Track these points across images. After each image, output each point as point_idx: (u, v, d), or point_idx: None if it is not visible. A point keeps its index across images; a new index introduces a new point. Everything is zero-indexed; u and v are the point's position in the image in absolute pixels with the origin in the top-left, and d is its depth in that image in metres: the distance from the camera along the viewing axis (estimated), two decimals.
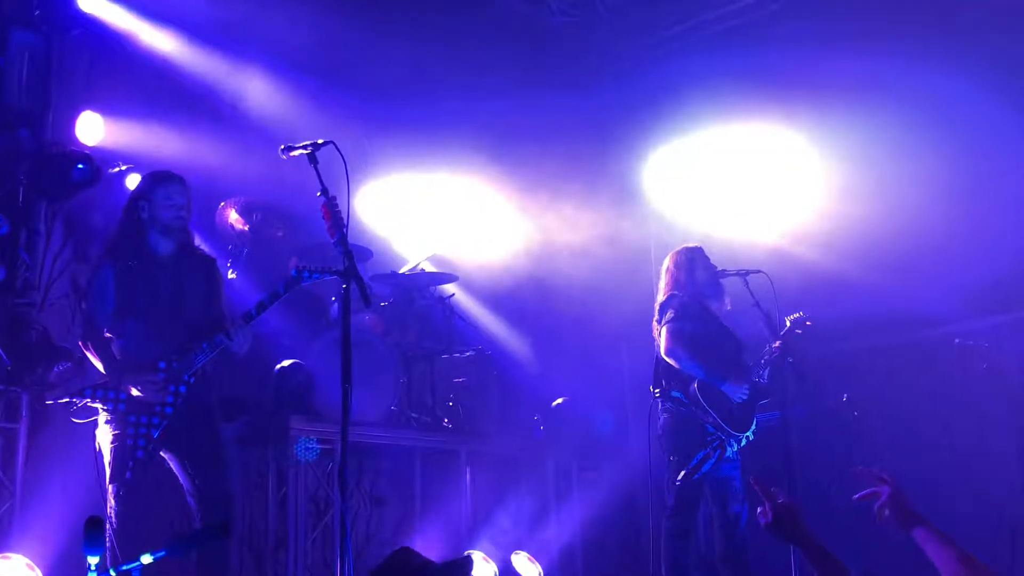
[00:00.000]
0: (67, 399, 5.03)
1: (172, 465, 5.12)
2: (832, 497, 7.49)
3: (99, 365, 5.03)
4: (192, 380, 5.02)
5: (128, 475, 4.87)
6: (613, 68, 8.75)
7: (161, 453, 5.06)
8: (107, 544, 4.78)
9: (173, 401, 4.98)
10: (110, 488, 4.89)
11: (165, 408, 4.97)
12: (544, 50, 8.41)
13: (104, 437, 4.96)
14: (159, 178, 5.26)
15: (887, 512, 3.06)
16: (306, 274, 4.89)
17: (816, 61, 7.47)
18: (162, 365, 4.99)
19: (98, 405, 4.95)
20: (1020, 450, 7.04)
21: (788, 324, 6.41)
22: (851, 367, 7.88)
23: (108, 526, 4.80)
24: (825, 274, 7.69)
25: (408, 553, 2.97)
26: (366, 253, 7.44)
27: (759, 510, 3.08)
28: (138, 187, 5.32)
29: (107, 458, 4.92)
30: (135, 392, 4.90)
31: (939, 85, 7.14)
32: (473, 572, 2.93)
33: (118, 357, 5.03)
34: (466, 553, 2.97)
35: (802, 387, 6.42)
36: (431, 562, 2.92)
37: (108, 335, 5.07)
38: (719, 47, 8.22)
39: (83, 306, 5.25)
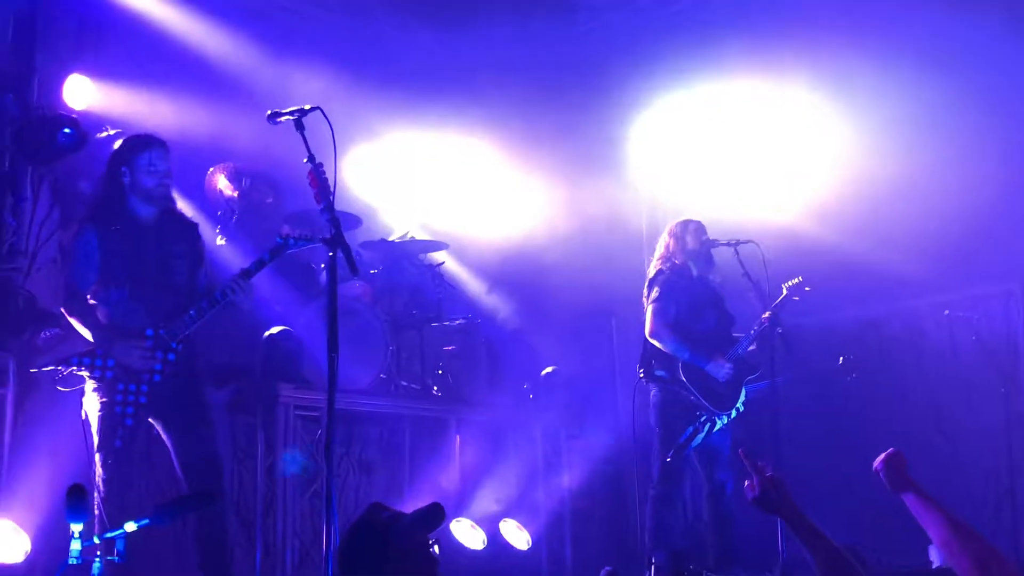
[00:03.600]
0: (52, 367, 4.95)
1: (160, 431, 5.10)
2: (819, 466, 7.55)
3: (85, 332, 4.98)
4: (179, 347, 4.99)
5: (118, 443, 4.85)
6: (605, 31, 8.64)
7: (149, 420, 5.04)
8: (95, 512, 4.79)
9: (161, 368, 4.95)
10: (98, 456, 4.87)
11: (153, 376, 4.94)
12: (535, 16, 8.31)
13: (91, 405, 4.92)
14: (141, 143, 5.15)
15: (881, 474, 3.08)
16: (291, 241, 4.88)
17: (819, 16, 7.31)
18: (149, 332, 4.95)
19: (84, 373, 4.90)
20: (1007, 420, 7.06)
21: (785, 291, 6.42)
22: (840, 338, 7.88)
23: (96, 494, 4.82)
24: (813, 244, 7.66)
25: (378, 508, 2.95)
26: (355, 220, 7.40)
27: (746, 483, 3.09)
28: (119, 151, 5.20)
29: (94, 426, 4.89)
30: (124, 360, 4.87)
31: (957, 36, 6.84)
32: (443, 522, 2.90)
33: (104, 324, 4.98)
34: (435, 502, 2.91)
35: (790, 358, 6.44)
36: (401, 513, 2.88)
37: (92, 301, 5.01)
38: (718, 5, 8.06)
39: (64, 271, 5.17)
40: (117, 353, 4.87)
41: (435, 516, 2.87)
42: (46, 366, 5.00)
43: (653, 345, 6.37)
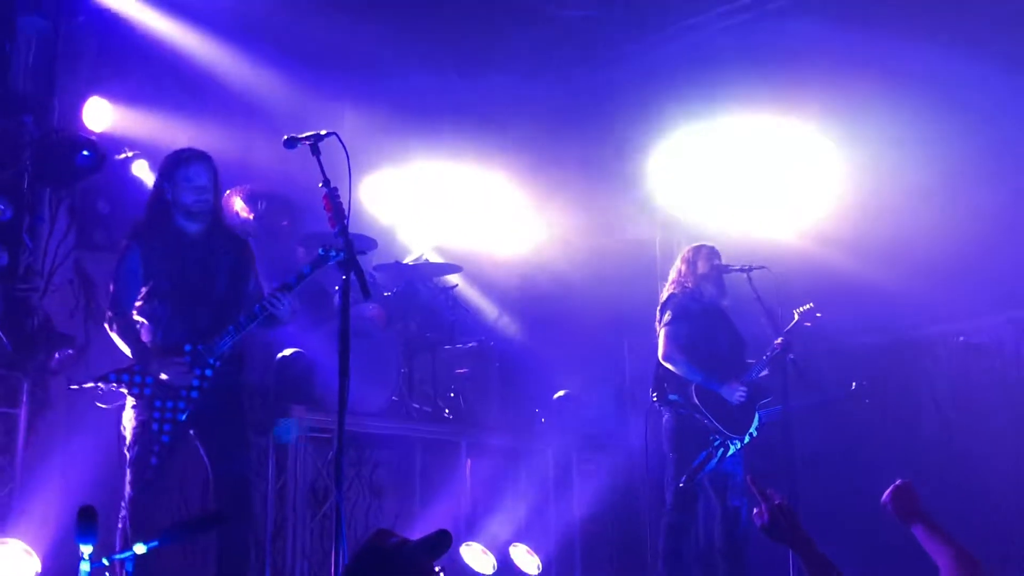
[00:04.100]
0: (92, 384, 4.96)
1: (198, 446, 5.03)
2: (832, 493, 7.50)
3: (125, 349, 4.95)
4: (217, 364, 4.92)
5: (153, 460, 4.81)
6: (622, 62, 8.69)
7: (189, 436, 4.98)
8: (119, 527, 4.78)
9: (199, 385, 4.90)
10: (129, 473, 4.83)
11: (191, 392, 4.89)
12: (551, 43, 8.37)
13: (129, 422, 4.90)
14: (178, 159, 5.09)
15: (889, 506, 3.07)
16: (332, 253, 4.78)
17: (829, 52, 7.34)
18: (187, 348, 4.90)
19: (124, 390, 4.87)
20: (1021, 448, 7.02)
21: (796, 317, 6.41)
22: (854, 363, 7.86)
23: (123, 511, 4.80)
24: (828, 270, 7.66)
25: (383, 534, 2.93)
26: (370, 243, 7.43)
27: (755, 511, 3.08)
28: (161, 167, 5.17)
29: (129, 442, 4.86)
30: (162, 376, 4.84)
31: (958, 72, 6.94)
32: (449, 549, 2.90)
33: (145, 340, 4.96)
34: (442, 529, 2.90)
35: (803, 384, 6.42)
36: (407, 540, 2.88)
37: (138, 318, 5.00)
38: (731, 39, 8.10)
39: (110, 288, 5.08)
40: (155, 370, 4.84)
41: (442, 543, 2.86)
42: (85, 383, 5.03)
43: (666, 369, 6.36)
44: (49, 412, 6.04)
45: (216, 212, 5.14)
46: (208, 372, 4.91)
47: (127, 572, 3.49)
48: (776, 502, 3.05)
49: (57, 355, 5.92)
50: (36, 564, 5.20)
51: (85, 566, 3.36)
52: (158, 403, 4.84)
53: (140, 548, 3.49)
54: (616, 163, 8.78)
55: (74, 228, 6.61)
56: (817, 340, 7.23)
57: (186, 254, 5.03)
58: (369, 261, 7.75)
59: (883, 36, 7.06)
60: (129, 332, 4.95)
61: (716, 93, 8.07)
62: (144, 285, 4.97)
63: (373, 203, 8.41)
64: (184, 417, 4.87)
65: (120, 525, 4.79)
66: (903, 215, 7.33)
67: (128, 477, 4.83)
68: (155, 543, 3.57)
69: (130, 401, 4.91)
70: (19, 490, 5.68)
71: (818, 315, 6.43)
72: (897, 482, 3.11)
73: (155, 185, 5.14)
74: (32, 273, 6.28)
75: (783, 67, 7.52)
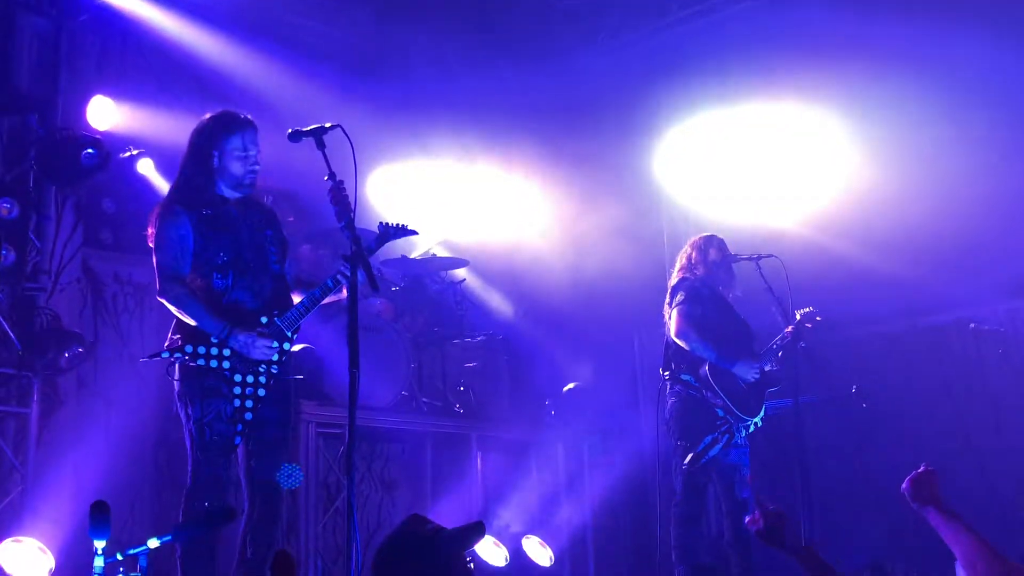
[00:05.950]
0: (159, 355, 4.50)
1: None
2: (845, 482, 7.49)
3: (190, 319, 4.48)
4: (295, 337, 4.62)
5: (239, 440, 4.48)
6: (625, 50, 8.65)
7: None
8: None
9: (279, 359, 4.55)
10: (202, 456, 4.45)
11: (271, 367, 4.54)
12: (554, 31, 8.34)
13: (198, 400, 4.45)
14: (233, 124, 4.70)
15: (909, 491, 3.08)
16: (392, 228, 4.69)
17: (838, 37, 7.28)
18: (264, 320, 4.56)
19: (200, 363, 4.43)
20: None
21: (799, 317, 6.37)
22: (865, 353, 7.83)
23: (189, 501, 4.47)
24: (838, 259, 7.62)
25: (419, 520, 2.96)
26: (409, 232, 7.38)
27: (747, 519, 3.14)
28: (209, 131, 4.71)
29: (201, 423, 4.44)
30: (242, 349, 4.44)
31: (967, 57, 6.81)
32: (481, 540, 2.94)
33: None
34: (478, 520, 2.94)
35: (814, 372, 6.40)
36: (443, 528, 2.90)
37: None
38: (734, 25, 8.05)
39: (157, 258, 4.58)
40: (242, 341, 4.45)
41: (477, 533, 2.92)
42: (152, 356, 4.55)
43: (677, 347, 6.28)
44: (60, 411, 6.05)
45: (256, 185, 4.82)
46: (287, 346, 4.58)
47: (140, 567, 3.47)
48: (770, 508, 3.11)
49: (67, 354, 5.91)
50: (50, 561, 5.22)
51: (99, 561, 3.35)
52: (239, 378, 4.48)
53: (154, 543, 3.49)
54: (624, 154, 8.75)
55: (80, 227, 6.61)
56: (828, 330, 7.20)
57: (234, 223, 4.66)
58: (377, 256, 7.73)
59: (892, 20, 6.99)
60: (197, 300, 4.50)
61: (724, 80, 8.02)
62: (196, 254, 4.56)
63: (378, 198, 8.38)
64: (264, 393, 4.53)
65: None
66: (912, 202, 7.27)
67: (197, 449, 4.45)
68: (168, 538, 3.57)
69: (195, 376, 4.47)
70: (31, 489, 5.70)
71: (818, 319, 6.38)
72: (920, 468, 3.10)
73: (199, 149, 4.68)
74: (39, 272, 6.29)
75: (791, 53, 7.46)
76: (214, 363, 4.46)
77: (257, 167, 4.72)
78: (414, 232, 4.84)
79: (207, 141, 4.69)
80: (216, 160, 4.66)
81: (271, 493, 4.69)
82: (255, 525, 4.66)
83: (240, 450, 4.63)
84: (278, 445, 4.72)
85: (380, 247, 4.81)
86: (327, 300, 4.74)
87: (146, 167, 6.72)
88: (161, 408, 5.89)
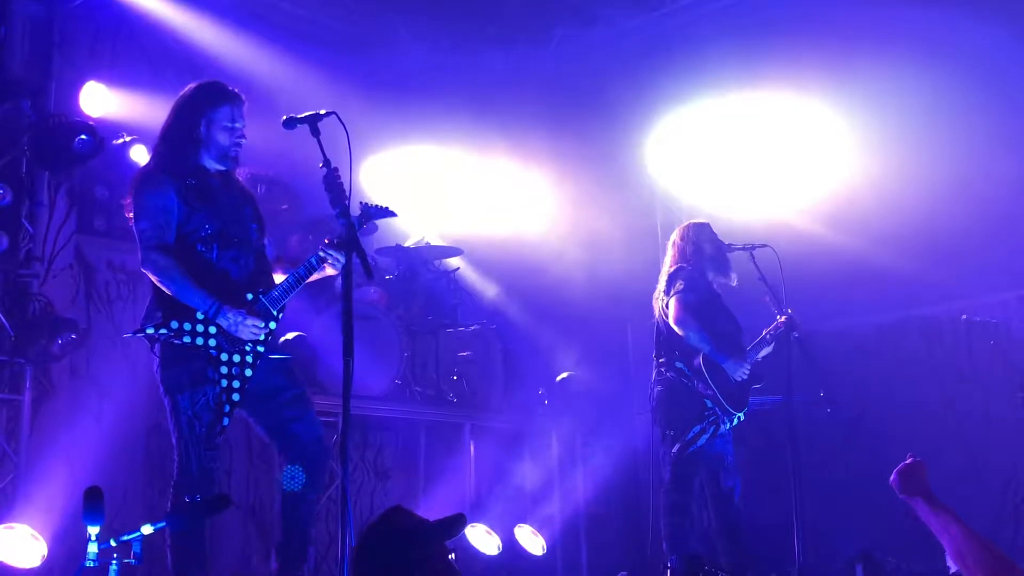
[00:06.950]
0: (143, 331, 4.31)
1: (246, 415, 4.59)
2: (837, 471, 7.51)
3: (175, 291, 4.30)
4: (280, 317, 4.48)
5: (226, 421, 4.35)
6: (621, 40, 8.63)
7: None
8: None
9: (265, 339, 4.43)
10: (188, 439, 4.32)
11: (256, 346, 4.42)
12: (548, 20, 8.32)
13: (180, 380, 4.32)
14: (222, 95, 4.57)
15: (897, 482, 3.07)
16: (372, 209, 4.60)
17: (833, 26, 7.26)
18: (249, 297, 4.44)
19: (185, 340, 4.28)
20: None
21: (783, 320, 6.36)
22: (857, 343, 7.85)
23: (177, 491, 4.37)
24: (830, 249, 7.63)
25: (400, 512, 2.93)
26: (371, 226, 7.40)
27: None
28: (195, 100, 4.57)
29: (186, 406, 4.31)
30: (228, 326, 4.30)
31: (968, 46, 6.80)
32: (464, 530, 2.92)
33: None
34: (459, 513, 2.91)
35: (806, 361, 6.40)
36: (424, 521, 2.88)
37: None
38: (730, 15, 8.03)
39: (139, 226, 4.39)
40: (229, 320, 4.30)
41: (457, 526, 2.90)
42: (135, 332, 4.38)
43: (674, 335, 6.27)
44: (52, 398, 6.04)
45: (238, 160, 4.67)
46: (273, 325, 4.45)
47: (134, 554, 3.46)
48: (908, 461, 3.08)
49: (59, 340, 5.89)
50: (43, 548, 5.22)
51: (93, 547, 3.35)
52: (225, 357, 4.34)
53: (147, 529, 3.49)
54: (617, 144, 8.74)
55: (73, 213, 6.59)
56: (821, 320, 7.21)
57: (217, 196, 4.52)
58: (371, 244, 7.74)
59: (890, 8, 6.99)
60: (182, 273, 4.31)
61: (718, 69, 8.00)
62: (180, 224, 4.41)
63: (372, 186, 8.37)
64: (251, 373, 4.41)
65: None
66: (906, 194, 7.28)
67: (187, 444, 4.32)
68: (162, 524, 3.57)
69: (180, 361, 4.32)
70: (24, 476, 5.69)
71: (797, 333, 6.35)
72: (908, 459, 3.10)
73: (185, 118, 4.53)
74: (32, 259, 6.26)
75: (786, 42, 7.46)
76: (200, 340, 4.31)
77: (243, 140, 4.59)
78: (394, 214, 4.75)
79: (195, 109, 4.55)
80: (203, 129, 4.52)
81: (321, 453, 4.62)
82: (301, 496, 4.54)
83: (260, 428, 4.57)
84: (306, 401, 4.64)
85: (361, 227, 4.59)
86: (313, 278, 4.62)
87: (139, 154, 6.68)
88: (153, 395, 5.80)
